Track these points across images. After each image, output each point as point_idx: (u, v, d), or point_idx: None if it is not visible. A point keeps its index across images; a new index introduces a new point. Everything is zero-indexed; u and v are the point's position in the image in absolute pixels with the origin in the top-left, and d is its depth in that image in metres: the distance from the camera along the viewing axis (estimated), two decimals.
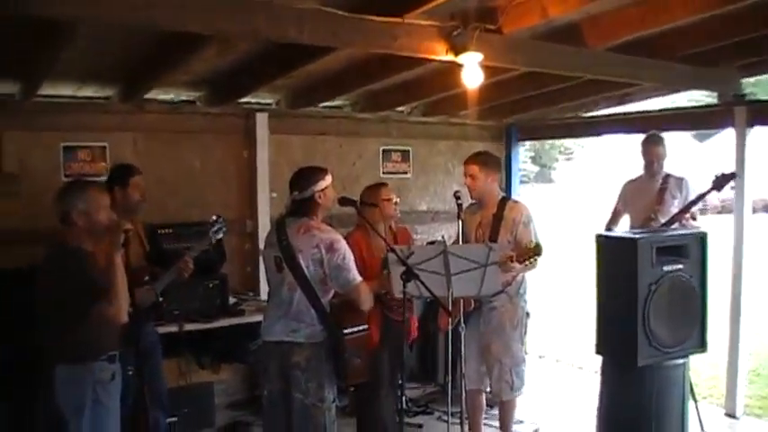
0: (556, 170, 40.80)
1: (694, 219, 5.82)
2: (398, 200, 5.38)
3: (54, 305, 3.64)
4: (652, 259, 4.52)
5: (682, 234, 5.01)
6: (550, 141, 32.55)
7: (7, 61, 4.91)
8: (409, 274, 4.28)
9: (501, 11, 4.43)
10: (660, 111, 7.57)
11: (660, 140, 6.14)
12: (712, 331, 4.90)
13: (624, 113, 7.68)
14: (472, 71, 4.44)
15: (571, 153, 38.72)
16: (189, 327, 5.74)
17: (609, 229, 6.25)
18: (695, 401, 5.45)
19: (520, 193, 8.85)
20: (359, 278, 4.26)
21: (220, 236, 5.15)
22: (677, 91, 7.28)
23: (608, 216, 6.49)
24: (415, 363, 7.27)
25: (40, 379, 3.94)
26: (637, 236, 4.66)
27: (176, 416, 5.77)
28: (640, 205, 6.08)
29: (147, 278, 4.82)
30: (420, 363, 7.32)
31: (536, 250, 4.88)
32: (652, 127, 6.69)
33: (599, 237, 4.85)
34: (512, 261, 4.89)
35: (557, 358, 8.45)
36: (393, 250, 4.42)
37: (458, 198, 5.08)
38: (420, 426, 6.23)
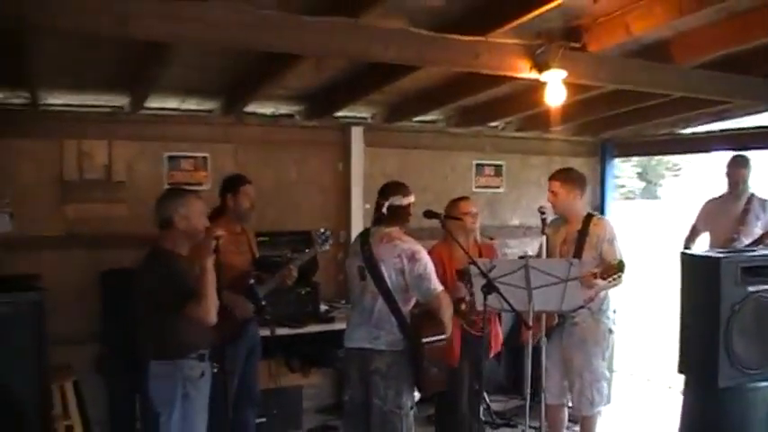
0: (662, 186, 39.77)
1: None
2: (477, 212, 5.40)
3: (149, 304, 3.91)
4: (736, 279, 4.51)
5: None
6: (657, 157, 31.95)
7: (118, 76, 5.28)
8: (490, 287, 4.38)
9: (585, 29, 4.50)
10: (755, 128, 7.43)
11: (746, 162, 6.12)
12: None
13: (720, 130, 7.58)
14: (555, 88, 4.51)
15: (679, 169, 37.69)
16: (280, 331, 5.96)
17: (687, 246, 6.24)
18: None
19: (616, 209, 8.80)
20: (440, 287, 4.37)
21: (327, 248, 5.35)
22: None
23: (686, 234, 6.47)
24: (503, 376, 7.32)
25: (139, 372, 4.23)
26: (721, 255, 4.63)
27: (265, 416, 6.02)
28: (722, 225, 6.05)
29: (251, 281, 5.05)
30: (507, 376, 7.36)
31: (620, 267, 4.87)
32: (745, 144, 6.62)
33: (683, 255, 4.86)
34: (595, 278, 4.91)
35: (648, 377, 8.32)
36: (474, 263, 4.51)
37: (542, 213, 5.12)
38: None
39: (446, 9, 4.17)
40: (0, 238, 5.64)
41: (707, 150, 8.33)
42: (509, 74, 4.53)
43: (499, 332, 5.48)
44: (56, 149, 5.99)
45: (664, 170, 38.70)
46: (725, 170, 6.18)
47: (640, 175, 37.65)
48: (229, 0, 3.64)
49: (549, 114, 6.48)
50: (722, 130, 7.63)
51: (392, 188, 4.54)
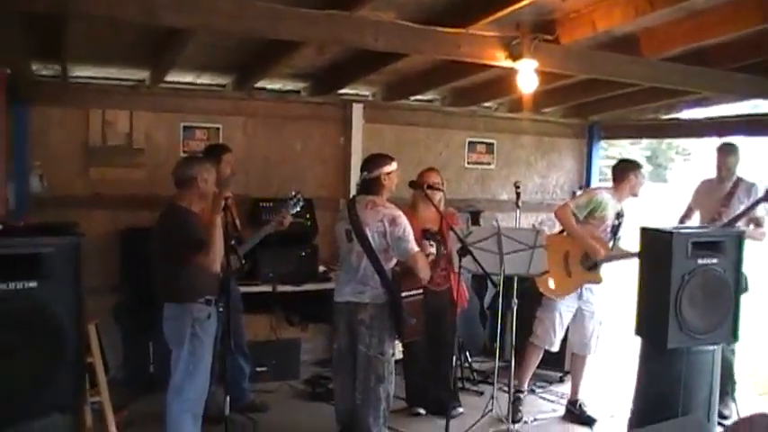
0: (671, 170, 39.81)
1: (759, 225, 6.08)
2: (440, 182, 5.84)
3: (164, 253, 4.50)
4: (687, 252, 4.92)
5: (719, 231, 5.42)
6: (667, 141, 32.08)
7: (140, 54, 5.83)
8: (464, 251, 4.93)
9: (558, 23, 4.98)
10: (725, 117, 7.90)
11: (731, 150, 6.33)
12: None
13: (705, 118, 8.08)
14: (527, 76, 5.00)
15: (688, 154, 37.74)
16: (282, 288, 6.56)
17: (682, 223, 6.58)
18: (732, 388, 5.86)
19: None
20: (416, 248, 4.85)
21: (298, 209, 5.68)
22: (747, 98, 7.45)
23: (682, 211, 6.76)
24: (488, 339, 7.85)
25: (153, 321, 4.81)
26: (673, 230, 5.12)
27: (265, 366, 6.60)
28: (709, 206, 6.36)
29: (233, 242, 5.43)
30: (491, 339, 7.83)
31: None
32: (732, 131, 7.11)
33: (642, 229, 5.32)
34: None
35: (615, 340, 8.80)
36: (453, 229, 5.08)
37: (517, 188, 5.69)
38: (481, 393, 6.81)
39: (432, 3, 4.66)
40: (32, 197, 6.25)
41: (695, 135, 8.68)
42: (487, 62, 5.01)
43: (464, 289, 5.94)
44: (82, 118, 6.59)
45: (674, 154, 38.75)
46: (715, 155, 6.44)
47: (649, 159, 37.71)
48: None
49: (539, 97, 6.91)
50: (707, 118, 8.07)
51: (363, 165, 5.02)
